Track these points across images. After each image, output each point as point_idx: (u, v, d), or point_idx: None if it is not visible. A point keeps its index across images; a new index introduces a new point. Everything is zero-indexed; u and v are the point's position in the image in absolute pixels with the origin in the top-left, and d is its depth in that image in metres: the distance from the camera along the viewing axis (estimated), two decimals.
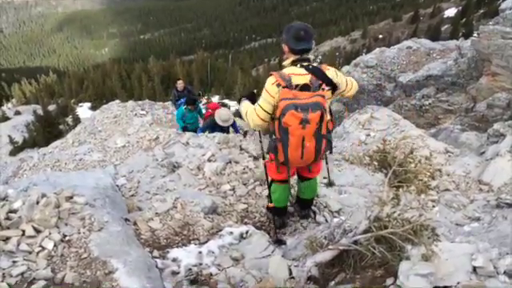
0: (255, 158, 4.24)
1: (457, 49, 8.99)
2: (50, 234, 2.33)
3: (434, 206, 3.24)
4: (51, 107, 37.78)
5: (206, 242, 2.84)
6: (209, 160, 4.25)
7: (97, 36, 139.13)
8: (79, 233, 2.41)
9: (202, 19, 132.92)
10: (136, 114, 11.11)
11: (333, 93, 2.79)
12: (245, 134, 10.46)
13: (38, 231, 2.32)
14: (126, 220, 2.97)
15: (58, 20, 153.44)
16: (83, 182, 4.56)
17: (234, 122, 7.16)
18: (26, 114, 39.82)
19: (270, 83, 2.72)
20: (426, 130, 7.30)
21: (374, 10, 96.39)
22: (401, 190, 2.28)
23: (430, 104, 9.24)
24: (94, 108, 37.97)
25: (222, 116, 6.70)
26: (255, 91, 3.05)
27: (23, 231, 2.30)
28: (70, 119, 31.69)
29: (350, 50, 67.74)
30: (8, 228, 2.31)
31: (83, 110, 37.08)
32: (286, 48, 2.76)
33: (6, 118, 39.82)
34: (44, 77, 68.12)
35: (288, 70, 2.70)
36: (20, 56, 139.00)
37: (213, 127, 6.70)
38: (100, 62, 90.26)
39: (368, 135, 5.57)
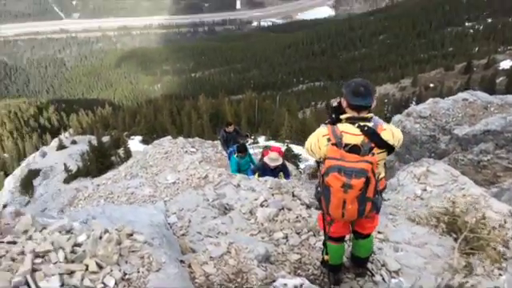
0: (308, 207, 4.20)
1: None
2: (111, 271, 2.37)
3: (500, 275, 3.04)
4: (105, 138, 39.48)
5: None
6: (261, 205, 4.24)
7: (151, 72, 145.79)
8: (138, 272, 2.45)
9: (252, 60, 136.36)
10: (186, 151, 11.37)
11: (388, 154, 2.74)
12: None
13: (100, 267, 2.37)
14: (181, 262, 2.99)
15: (117, 56, 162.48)
16: (137, 217, 4.67)
17: (285, 166, 7.15)
18: (81, 143, 41.82)
19: (322, 134, 2.73)
20: (486, 188, 6.97)
21: (425, 58, 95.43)
22: (471, 257, 2.17)
23: (488, 160, 8.85)
24: (144, 142, 39.32)
25: (271, 155, 6.79)
26: (334, 104, 2.98)
27: (87, 266, 2.36)
28: (121, 151, 32.89)
29: (399, 98, 66.95)
30: (73, 262, 2.38)
31: (134, 143, 38.43)
32: (344, 103, 2.76)
33: (62, 147, 41.98)
34: (100, 109, 71.65)
35: (342, 127, 2.69)
36: (79, 88, 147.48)
37: (263, 170, 6.73)
38: (153, 97, 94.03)
39: (424, 190, 5.38)
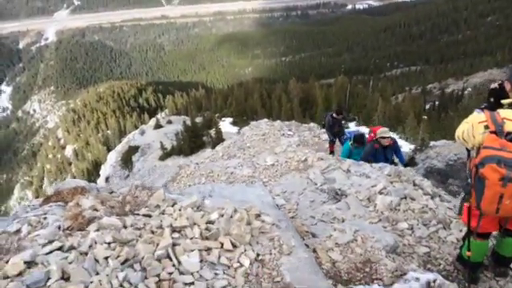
0: (432, 197, 3.89)
1: None
2: (245, 250, 2.36)
3: None
4: (198, 119, 41.12)
5: (391, 284, 2.62)
6: (380, 192, 4.02)
7: (243, 56, 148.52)
8: (271, 254, 2.41)
9: (344, 44, 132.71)
10: (283, 134, 11.35)
11: None
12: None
13: (234, 246, 2.37)
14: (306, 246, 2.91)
15: (211, 40, 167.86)
16: (246, 196, 4.68)
17: (397, 143, 6.75)
18: (176, 123, 44.03)
19: (478, 120, 2.42)
20: None
21: None
22: None
23: None
24: (235, 123, 40.30)
25: (380, 130, 6.44)
26: (494, 86, 2.67)
27: (221, 244, 2.37)
28: (213, 132, 33.98)
29: None
30: (207, 238, 2.40)
31: (225, 125, 39.52)
32: (508, 86, 2.42)
33: (159, 126, 44.52)
34: (194, 91, 74.77)
35: (504, 113, 2.36)
36: (175, 71, 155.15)
37: (374, 154, 6.40)
38: (244, 80, 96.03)
39: None
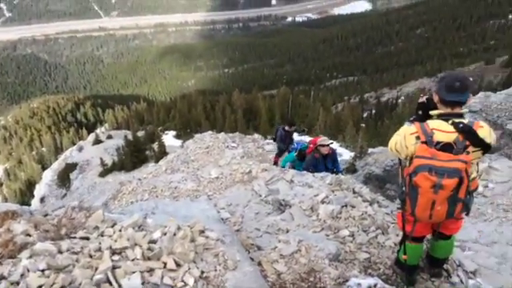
0: (370, 203, 4.05)
1: None
2: (189, 269, 2.32)
3: None
4: (140, 133, 40.21)
5: None
6: (322, 202, 4.12)
7: (185, 68, 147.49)
8: (215, 270, 2.38)
9: (285, 56, 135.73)
10: (227, 146, 11.35)
11: (484, 153, 2.55)
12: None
13: (178, 265, 2.32)
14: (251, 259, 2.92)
15: (152, 52, 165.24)
16: (190, 211, 4.63)
17: (335, 154, 6.96)
18: (116, 138, 42.74)
19: (409, 132, 2.57)
20: None
21: (464, 52, 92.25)
22: None
23: None
24: (178, 136, 39.83)
25: (321, 138, 6.63)
26: (421, 100, 2.81)
27: (164, 264, 2.31)
28: (156, 146, 33.37)
29: None
30: (149, 259, 2.34)
31: (168, 138, 38.95)
32: (436, 97, 2.59)
33: (98, 141, 43.00)
34: (135, 104, 73.05)
35: (433, 124, 2.51)
36: (115, 84, 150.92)
37: (315, 164, 6.58)
38: (187, 92, 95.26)
39: (486, 187, 5.13)
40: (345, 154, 27.58)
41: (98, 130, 59.49)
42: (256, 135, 13.65)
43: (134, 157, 31.97)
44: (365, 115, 56.07)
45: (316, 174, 5.44)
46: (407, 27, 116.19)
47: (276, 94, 56.39)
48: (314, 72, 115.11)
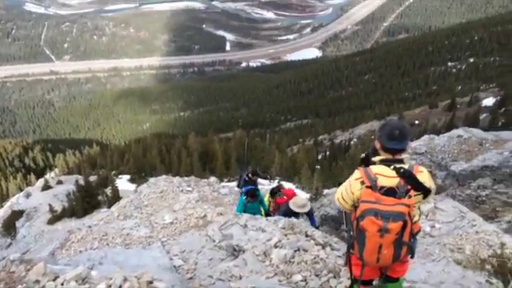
0: (323, 247, 4.08)
1: None
2: None
3: None
4: (92, 178, 38.85)
5: None
6: (275, 246, 4.11)
7: (140, 112, 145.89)
8: None
9: (240, 99, 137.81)
10: (182, 190, 11.20)
11: (424, 197, 2.67)
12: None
13: None
14: None
15: (106, 96, 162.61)
16: (141, 260, 4.49)
17: (311, 210, 6.90)
18: (67, 183, 41.04)
19: (354, 178, 2.66)
20: (497, 224, 6.94)
21: (410, 96, 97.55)
22: None
23: (486, 195, 8.87)
24: (132, 180, 38.84)
25: (298, 202, 6.39)
26: (365, 154, 2.91)
27: None
28: (109, 190, 32.35)
29: None
30: None
31: (122, 182, 37.87)
32: (378, 145, 2.71)
33: (48, 187, 41.08)
34: (88, 148, 70.97)
35: (376, 169, 2.62)
36: (67, 128, 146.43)
37: (288, 216, 6.49)
38: (142, 136, 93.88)
39: (433, 227, 5.31)
40: (301, 195, 27.85)
41: (47, 176, 56.93)
42: (212, 178, 13.59)
43: (85, 202, 30.74)
44: (319, 157, 57.29)
45: (269, 217, 5.44)
46: (355, 73, 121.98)
47: (232, 137, 56.71)
48: (268, 115, 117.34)
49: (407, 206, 2.42)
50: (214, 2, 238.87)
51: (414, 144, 12.07)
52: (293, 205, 6.28)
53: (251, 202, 7.83)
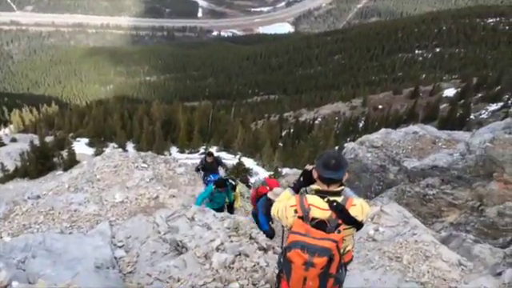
0: (265, 251, 4.09)
1: (465, 144, 9.07)
2: None
3: None
4: (48, 138, 37.65)
5: None
6: (217, 249, 4.08)
7: (104, 72, 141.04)
8: None
9: (209, 69, 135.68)
10: (137, 167, 10.96)
11: (357, 229, 2.67)
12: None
13: None
14: None
15: (69, 53, 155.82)
16: (81, 250, 4.36)
17: None
18: (22, 142, 39.59)
19: (290, 204, 2.64)
20: (429, 224, 7.21)
21: (376, 80, 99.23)
22: None
23: (433, 194, 9.19)
24: (91, 144, 37.90)
25: (276, 191, 6.27)
26: (308, 168, 2.87)
27: None
28: (65, 153, 31.48)
29: (349, 116, 69.14)
30: None
31: (80, 145, 36.91)
32: (315, 174, 2.69)
33: (1, 144, 39.54)
34: (46, 106, 68.38)
35: (310, 199, 2.60)
36: (25, 83, 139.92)
37: (268, 208, 6.31)
38: (104, 98, 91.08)
39: (377, 230, 5.44)
40: (261, 173, 28.09)
41: (0, 132, 54.75)
42: (168, 156, 13.38)
43: (39, 164, 29.86)
44: (283, 134, 57.78)
45: (217, 214, 5.38)
46: (326, 52, 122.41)
47: (197, 107, 56.05)
48: (236, 87, 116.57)
49: (334, 242, 2.42)
50: None
51: (371, 136, 12.28)
52: (272, 195, 6.22)
53: (219, 191, 7.70)
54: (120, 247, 5.13)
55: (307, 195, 2.62)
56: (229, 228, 4.55)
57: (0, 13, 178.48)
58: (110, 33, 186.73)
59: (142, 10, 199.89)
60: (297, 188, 2.84)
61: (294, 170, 25.46)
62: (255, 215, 6.77)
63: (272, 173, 24.14)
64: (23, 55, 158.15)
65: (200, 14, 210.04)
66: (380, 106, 73.20)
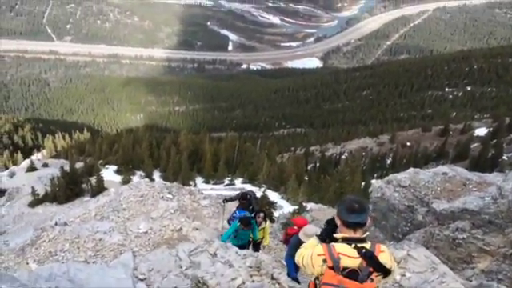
0: None
1: (497, 188, 8.77)
2: None
3: None
4: (78, 164, 38.59)
5: None
6: None
7: (135, 101, 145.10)
8: None
9: (237, 100, 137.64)
10: (163, 197, 11.10)
11: (384, 277, 2.59)
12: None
13: None
14: None
15: (103, 82, 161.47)
16: (104, 280, 4.38)
17: None
18: (53, 167, 40.80)
19: (317, 253, 2.57)
20: (463, 276, 6.92)
21: (404, 117, 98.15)
22: None
23: (463, 239, 8.84)
24: (119, 172, 38.59)
25: (307, 231, 6.02)
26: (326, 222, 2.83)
27: None
28: (93, 179, 32.16)
29: (376, 153, 68.22)
30: None
31: (108, 172, 37.66)
32: (338, 221, 2.65)
33: (33, 169, 40.86)
34: (78, 133, 70.47)
35: (339, 248, 2.53)
36: (60, 110, 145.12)
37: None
38: (134, 126, 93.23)
39: (403, 275, 5.26)
40: (285, 207, 27.84)
41: (33, 157, 56.45)
42: (193, 187, 13.48)
43: (68, 189, 30.61)
44: (309, 168, 57.36)
45: (239, 251, 5.33)
46: (354, 87, 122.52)
47: (224, 138, 56.58)
48: (263, 119, 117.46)
49: None
50: (221, 1, 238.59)
51: (399, 176, 12.05)
52: (303, 235, 5.98)
53: (244, 229, 7.63)
54: (142, 280, 5.14)
55: (335, 243, 2.57)
56: (251, 267, 4.50)
57: (41, 42, 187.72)
58: (143, 64, 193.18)
59: (174, 42, 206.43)
60: (323, 237, 2.78)
61: (320, 205, 25.12)
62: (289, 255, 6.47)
63: (296, 207, 23.85)
64: (60, 83, 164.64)
65: (230, 48, 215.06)
66: (408, 143, 72.00)
